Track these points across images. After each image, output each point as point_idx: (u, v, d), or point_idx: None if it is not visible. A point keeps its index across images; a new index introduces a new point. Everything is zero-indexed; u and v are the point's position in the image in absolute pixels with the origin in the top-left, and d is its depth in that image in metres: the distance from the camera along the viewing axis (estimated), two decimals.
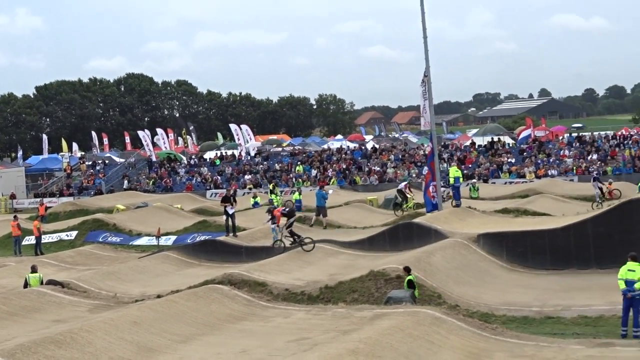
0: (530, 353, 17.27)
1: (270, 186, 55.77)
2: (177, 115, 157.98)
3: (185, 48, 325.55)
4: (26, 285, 26.76)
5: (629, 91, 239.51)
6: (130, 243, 42.75)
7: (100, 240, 43.40)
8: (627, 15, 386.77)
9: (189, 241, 39.65)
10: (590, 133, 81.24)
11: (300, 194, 49.11)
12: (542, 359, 16.90)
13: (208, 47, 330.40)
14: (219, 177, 74.21)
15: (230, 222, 37.47)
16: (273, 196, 50.60)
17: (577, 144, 71.03)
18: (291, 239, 31.77)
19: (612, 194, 47.76)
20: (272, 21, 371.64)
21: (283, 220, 32.71)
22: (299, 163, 75.00)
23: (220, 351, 17.43)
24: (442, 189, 40.32)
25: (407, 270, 23.75)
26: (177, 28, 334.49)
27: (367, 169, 71.86)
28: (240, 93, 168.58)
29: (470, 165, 66.97)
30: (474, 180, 57.48)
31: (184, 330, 19.00)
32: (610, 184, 50.09)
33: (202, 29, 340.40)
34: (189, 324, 19.51)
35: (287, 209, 34.85)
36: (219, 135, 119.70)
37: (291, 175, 71.97)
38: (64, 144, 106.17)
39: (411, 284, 23.25)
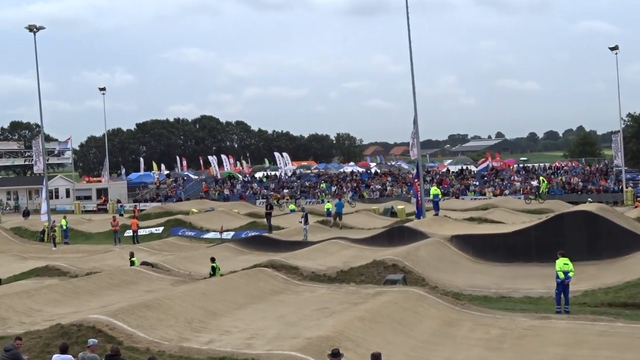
0: (489, 322, 17.11)
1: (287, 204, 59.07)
2: (236, 145, 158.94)
3: (237, 98, 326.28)
4: (132, 264, 27.03)
5: (561, 135, 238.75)
6: (201, 236, 42.58)
7: (179, 234, 43.41)
8: (552, 80, 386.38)
9: (243, 236, 39.57)
10: (532, 164, 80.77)
11: (330, 204, 46.46)
12: (498, 327, 16.74)
13: (252, 98, 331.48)
14: (265, 191, 74.23)
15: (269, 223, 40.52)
16: (292, 206, 55.42)
17: (523, 172, 70.88)
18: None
19: None
20: (296, 79, 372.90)
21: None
22: (322, 182, 75.20)
23: (264, 315, 17.45)
24: None
25: (213, 259, 24.04)
26: (230, 84, 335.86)
27: (371, 186, 72.03)
28: (282, 130, 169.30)
29: (445, 186, 66.73)
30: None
31: (239, 300, 19.02)
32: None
33: (248, 86, 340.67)
34: (242, 295, 19.53)
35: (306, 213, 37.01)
36: (266, 160, 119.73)
37: (317, 190, 72.08)
38: (155, 165, 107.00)
39: (213, 269, 23.53)
